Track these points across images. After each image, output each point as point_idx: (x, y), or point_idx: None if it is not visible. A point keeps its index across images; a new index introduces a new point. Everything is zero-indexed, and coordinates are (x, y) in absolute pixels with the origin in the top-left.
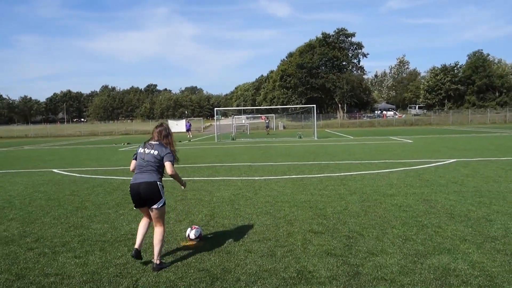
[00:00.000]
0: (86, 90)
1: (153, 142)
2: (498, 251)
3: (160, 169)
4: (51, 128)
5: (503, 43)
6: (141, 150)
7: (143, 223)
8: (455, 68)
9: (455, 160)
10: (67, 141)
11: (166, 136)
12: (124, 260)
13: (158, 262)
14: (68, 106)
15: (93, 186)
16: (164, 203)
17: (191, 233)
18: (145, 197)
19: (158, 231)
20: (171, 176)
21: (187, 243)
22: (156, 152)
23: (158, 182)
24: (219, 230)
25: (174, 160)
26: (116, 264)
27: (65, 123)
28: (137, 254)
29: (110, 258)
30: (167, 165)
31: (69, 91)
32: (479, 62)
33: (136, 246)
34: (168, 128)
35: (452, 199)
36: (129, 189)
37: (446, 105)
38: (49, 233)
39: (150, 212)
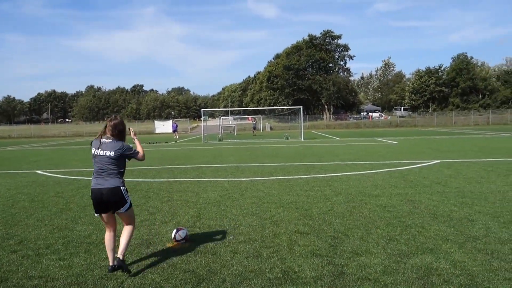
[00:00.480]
0: (71, 90)
1: (105, 140)
2: (479, 250)
3: (121, 169)
4: (35, 128)
5: (487, 47)
6: (94, 151)
7: (108, 237)
8: (439, 70)
9: (438, 161)
10: (52, 142)
11: (121, 131)
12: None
13: (121, 257)
14: (53, 107)
15: (78, 188)
16: (131, 204)
17: (177, 234)
18: (109, 203)
19: (128, 228)
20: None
21: (173, 245)
22: (112, 153)
23: (121, 187)
24: (205, 231)
25: (133, 151)
26: (101, 266)
27: (50, 123)
28: (115, 269)
29: (95, 260)
30: (138, 157)
31: (54, 91)
32: (463, 65)
33: (112, 263)
34: (123, 122)
35: (435, 199)
36: (90, 193)
37: (431, 107)
38: (32, 235)
39: (118, 216)
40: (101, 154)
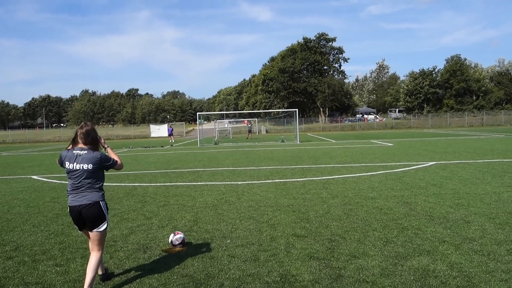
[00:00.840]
0: (66, 95)
1: (79, 152)
2: (476, 252)
3: (100, 181)
4: (29, 133)
5: (480, 48)
6: (68, 165)
7: None
8: (434, 72)
9: (434, 162)
10: (47, 147)
11: (94, 138)
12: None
13: None
14: (47, 111)
15: None
16: (107, 224)
17: (174, 238)
18: (88, 220)
19: (95, 257)
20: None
21: (170, 249)
22: (89, 166)
23: (101, 202)
24: (202, 235)
25: (111, 161)
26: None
27: (44, 128)
28: (106, 278)
29: None
30: (116, 167)
31: (48, 96)
32: (456, 67)
33: (100, 272)
34: (95, 128)
35: (432, 201)
36: (68, 210)
37: (425, 109)
38: (28, 241)
39: (90, 234)
40: (77, 168)
